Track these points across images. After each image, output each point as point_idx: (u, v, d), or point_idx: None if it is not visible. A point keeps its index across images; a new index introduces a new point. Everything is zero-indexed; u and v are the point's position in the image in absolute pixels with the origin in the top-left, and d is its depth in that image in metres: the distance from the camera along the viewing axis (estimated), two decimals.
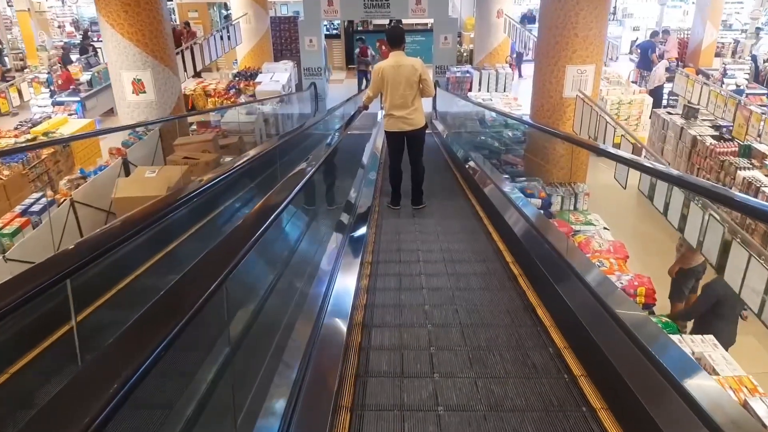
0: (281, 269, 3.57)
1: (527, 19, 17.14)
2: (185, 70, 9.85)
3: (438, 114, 12.47)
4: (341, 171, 5.87)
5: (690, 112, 8.71)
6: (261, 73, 11.97)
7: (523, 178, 7.20)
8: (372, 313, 3.44)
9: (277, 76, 11.43)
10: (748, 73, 12.34)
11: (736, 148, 7.74)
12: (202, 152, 6.75)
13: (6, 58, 15.70)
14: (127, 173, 6.32)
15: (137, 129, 7.16)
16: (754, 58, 12.58)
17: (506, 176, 7.09)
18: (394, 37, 5.44)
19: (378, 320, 3.35)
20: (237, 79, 11.86)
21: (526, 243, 4.19)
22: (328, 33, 17.95)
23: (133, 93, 7.17)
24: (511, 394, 2.59)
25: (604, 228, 6.54)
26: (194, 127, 9.19)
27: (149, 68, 7.18)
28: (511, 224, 4.70)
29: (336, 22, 18.45)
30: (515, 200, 5.09)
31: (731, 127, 8.53)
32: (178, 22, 18.07)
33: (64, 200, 5.33)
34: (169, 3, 19.83)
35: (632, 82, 12.87)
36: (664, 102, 12.86)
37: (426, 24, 17.62)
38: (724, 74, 12.09)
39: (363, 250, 4.30)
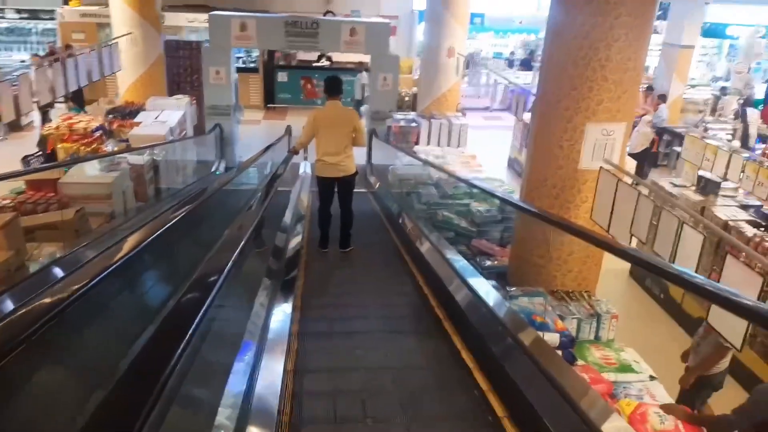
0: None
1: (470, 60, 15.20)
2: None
3: (374, 169, 10.01)
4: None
5: (709, 187, 6.66)
6: (144, 110, 9.05)
7: (517, 290, 4.72)
8: None
9: (165, 115, 8.53)
10: (731, 133, 10.73)
11: None
12: None
13: None
14: None
15: None
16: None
17: (492, 282, 4.64)
18: (333, 86, 5.61)
19: None
20: (110, 117, 8.85)
21: None
22: (243, 66, 15.32)
23: None
24: None
25: (651, 377, 4.21)
26: (23, 187, 6.17)
27: None
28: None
29: (255, 54, 15.88)
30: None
31: (761, 208, 6.56)
32: (59, 44, 15.04)
33: None
34: (50, 22, 16.85)
35: None
36: None
37: (359, 62, 15.32)
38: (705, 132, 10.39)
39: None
